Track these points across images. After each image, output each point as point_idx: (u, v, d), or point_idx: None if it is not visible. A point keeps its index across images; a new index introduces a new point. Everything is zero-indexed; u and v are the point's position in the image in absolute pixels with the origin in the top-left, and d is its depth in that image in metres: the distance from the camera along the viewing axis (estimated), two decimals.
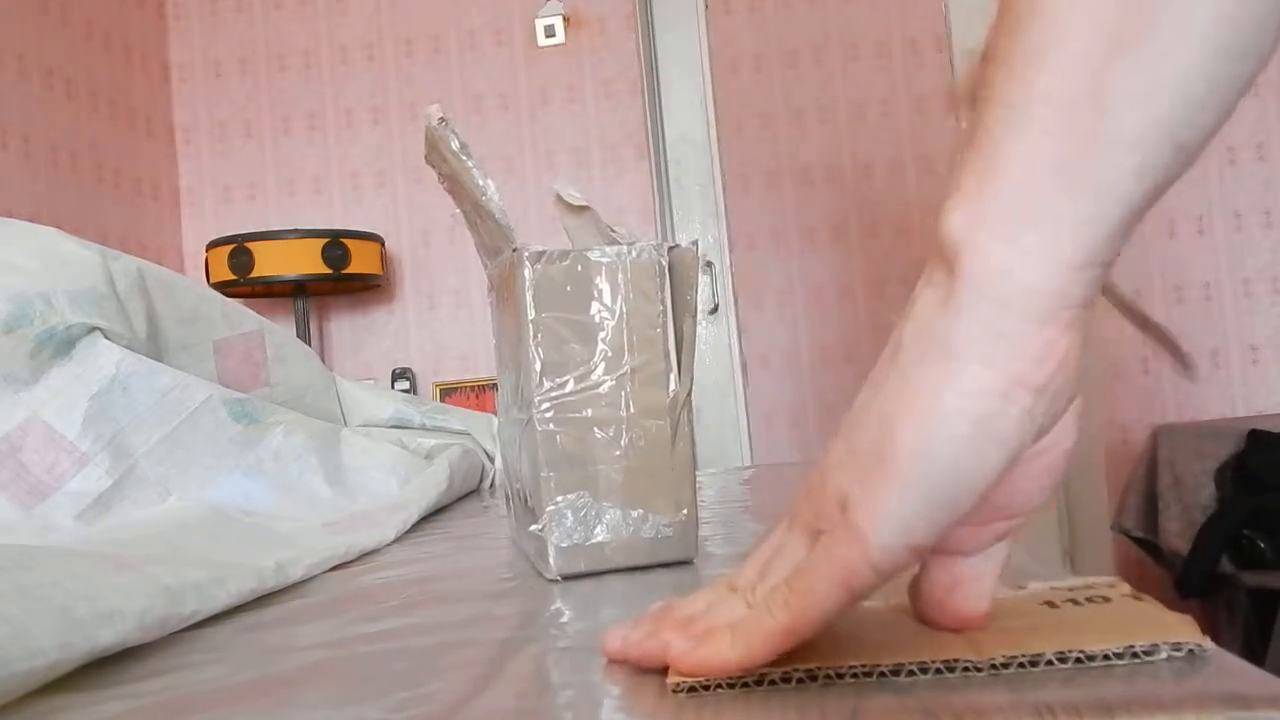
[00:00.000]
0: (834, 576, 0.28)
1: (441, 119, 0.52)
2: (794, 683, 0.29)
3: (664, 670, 0.31)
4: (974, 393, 0.27)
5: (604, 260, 0.50)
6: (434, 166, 0.57)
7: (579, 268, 0.50)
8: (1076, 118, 0.26)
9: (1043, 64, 0.27)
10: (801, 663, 0.29)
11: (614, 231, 0.53)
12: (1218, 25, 0.25)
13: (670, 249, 0.51)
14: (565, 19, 2.89)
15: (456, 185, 0.55)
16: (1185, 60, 0.26)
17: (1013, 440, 0.27)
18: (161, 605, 0.42)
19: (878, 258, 2.91)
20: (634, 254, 0.51)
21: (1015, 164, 0.27)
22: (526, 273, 0.50)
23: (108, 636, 0.38)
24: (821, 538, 0.29)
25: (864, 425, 0.29)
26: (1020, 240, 0.27)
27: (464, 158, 0.51)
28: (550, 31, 2.86)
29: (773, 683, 0.29)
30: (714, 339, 2.86)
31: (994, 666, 0.29)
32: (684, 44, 2.89)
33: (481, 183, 0.51)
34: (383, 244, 2.74)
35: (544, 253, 0.50)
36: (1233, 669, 0.28)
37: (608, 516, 0.50)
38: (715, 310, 2.85)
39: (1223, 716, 0.25)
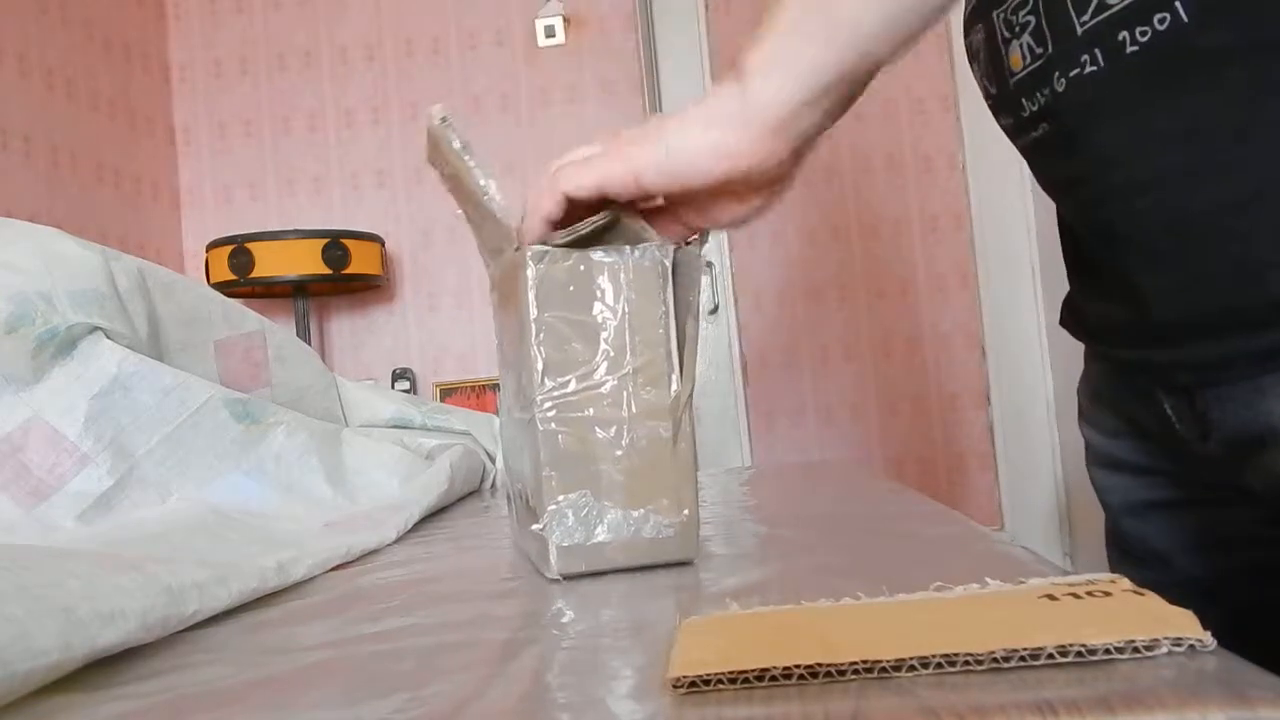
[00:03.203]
0: (631, 153, 0.51)
1: (444, 118, 0.51)
2: (795, 680, 0.29)
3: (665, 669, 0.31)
4: (712, 138, 0.51)
5: (607, 260, 0.50)
6: (435, 166, 0.57)
7: (582, 267, 0.50)
8: (810, 17, 0.49)
9: None
10: (803, 659, 0.29)
11: (645, 231, 0.53)
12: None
13: (673, 249, 0.51)
14: (565, 19, 2.89)
15: (458, 185, 0.55)
16: (870, 11, 0.49)
17: (713, 168, 0.51)
18: (163, 605, 0.42)
19: (878, 258, 2.91)
20: (637, 254, 0.51)
21: (774, 40, 0.50)
22: (529, 272, 0.49)
23: (109, 636, 0.38)
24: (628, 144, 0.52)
25: (659, 125, 0.52)
26: (770, 77, 0.50)
27: (466, 157, 0.51)
28: (550, 31, 2.86)
29: (774, 679, 0.29)
30: (714, 339, 2.86)
31: (995, 660, 0.29)
32: (684, 44, 2.89)
33: (483, 182, 0.51)
34: (383, 244, 2.75)
35: (547, 252, 0.50)
36: (1234, 667, 0.28)
37: (609, 516, 0.50)
38: (715, 310, 2.85)
39: (1223, 714, 0.25)
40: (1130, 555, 0.71)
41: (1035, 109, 0.59)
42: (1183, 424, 0.60)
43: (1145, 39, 0.51)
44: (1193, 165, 0.53)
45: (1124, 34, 0.52)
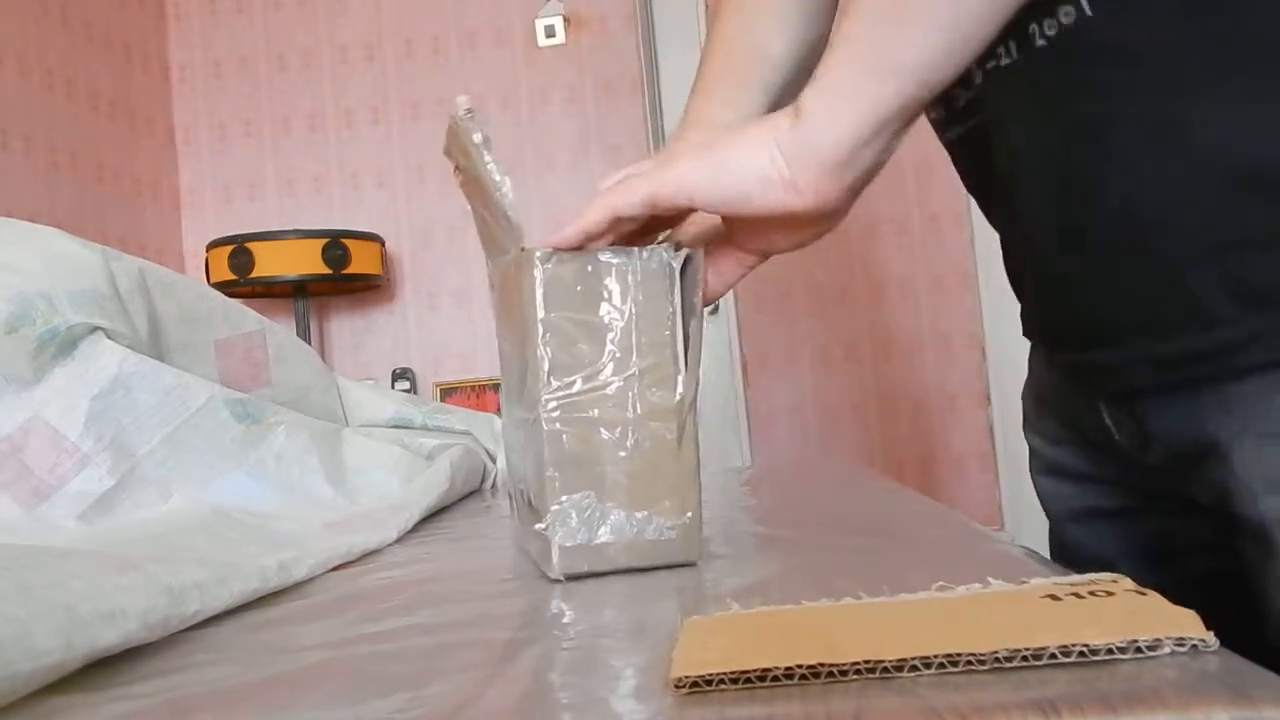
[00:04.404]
0: (685, 168, 0.50)
1: (468, 110, 0.51)
2: (797, 680, 0.29)
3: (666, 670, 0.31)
4: (771, 170, 0.49)
5: (614, 261, 0.50)
6: (451, 158, 0.57)
7: (589, 268, 0.50)
8: (868, 55, 0.48)
9: (855, 21, 0.48)
10: (805, 660, 0.29)
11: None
12: (950, 26, 0.46)
13: (679, 252, 0.51)
14: (565, 19, 2.89)
15: (472, 180, 0.55)
16: (931, 38, 0.46)
17: (769, 199, 0.49)
18: (164, 605, 0.42)
19: (877, 257, 2.91)
20: (645, 256, 0.51)
21: (832, 80, 0.49)
22: (537, 273, 0.49)
23: (110, 636, 0.38)
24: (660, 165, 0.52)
25: (708, 142, 0.52)
26: (828, 117, 0.48)
27: (484, 153, 0.51)
28: (550, 31, 2.86)
29: (775, 679, 0.29)
30: (714, 339, 2.86)
31: (997, 660, 0.29)
32: (684, 44, 2.89)
33: (498, 178, 0.51)
34: (383, 244, 2.74)
35: (554, 253, 0.50)
36: (1236, 666, 0.28)
37: (612, 517, 0.50)
38: (715, 310, 2.85)
39: (1226, 714, 0.25)
40: (1074, 564, 0.71)
41: (970, 97, 0.58)
42: (1122, 434, 0.60)
43: (1053, 33, 0.51)
44: (1105, 164, 0.52)
45: (1034, 26, 0.52)
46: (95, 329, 0.73)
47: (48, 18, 2.46)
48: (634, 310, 0.50)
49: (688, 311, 0.51)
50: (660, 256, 0.51)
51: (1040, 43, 0.52)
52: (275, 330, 0.93)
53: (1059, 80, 0.52)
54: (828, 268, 2.91)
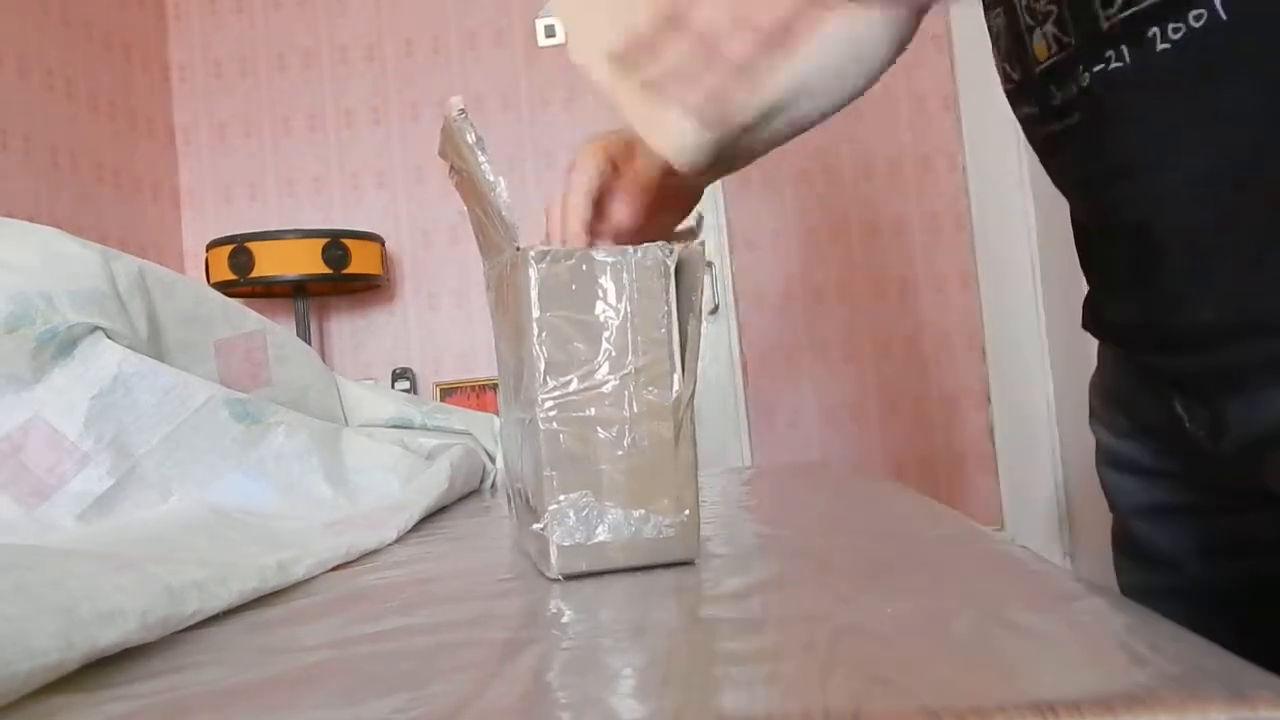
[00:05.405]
0: None
1: (461, 111, 0.51)
2: None
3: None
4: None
5: (609, 260, 0.50)
6: (446, 159, 0.57)
7: (584, 267, 0.50)
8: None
9: None
10: None
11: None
12: None
13: (676, 249, 0.51)
14: None
15: (466, 180, 0.55)
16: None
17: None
18: (163, 605, 0.42)
19: (878, 258, 2.91)
20: (639, 254, 0.51)
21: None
22: (531, 272, 0.49)
23: (109, 636, 0.38)
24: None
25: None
26: None
27: (478, 153, 0.51)
28: (550, 31, 2.86)
29: None
30: (714, 339, 2.86)
31: None
32: None
33: (492, 179, 0.51)
34: (383, 244, 2.74)
35: (549, 252, 0.50)
36: (1234, 667, 0.28)
37: (610, 516, 0.50)
38: (715, 310, 2.85)
39: (1223, 714, 0.25)
40: (1138, 558, 0.70)
41: (1066, 98, 0.56)
42: (1194, 423, 0.59)
43: (1178, 36, 0.49)
44: (1226, 169, 0.50)
45: (1154, 30, 0.50)
46: (95, 329, 0.73)
47: (48, 18, 2.46)
48: (629, 308, 0.50)
49: (684, 309, 0.51)
50: (655, 254, 0.51)
51: (1162, 46, 0.50)
52: (275, 330, 0.93)
53: (1182, 86, 0.50)
54: (828, 268, 2.91)
